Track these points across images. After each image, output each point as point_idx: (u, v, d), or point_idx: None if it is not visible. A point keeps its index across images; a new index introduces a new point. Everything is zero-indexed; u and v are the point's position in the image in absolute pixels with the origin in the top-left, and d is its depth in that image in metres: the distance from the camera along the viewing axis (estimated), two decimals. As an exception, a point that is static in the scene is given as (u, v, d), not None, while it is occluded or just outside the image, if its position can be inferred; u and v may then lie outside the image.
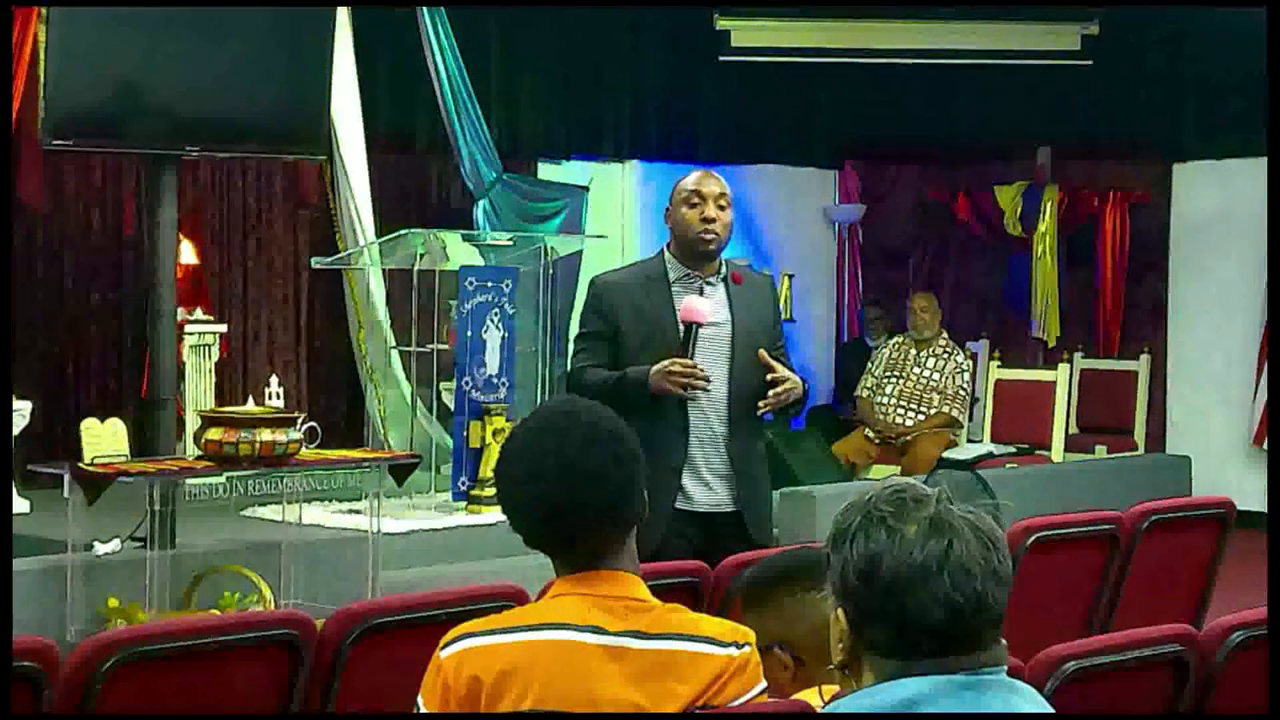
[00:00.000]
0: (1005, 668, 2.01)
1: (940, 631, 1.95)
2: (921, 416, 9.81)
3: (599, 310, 4.66)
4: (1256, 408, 10.46)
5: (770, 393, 4.53)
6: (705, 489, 4.58)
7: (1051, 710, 2.06)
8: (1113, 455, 10.46)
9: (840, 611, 2.03)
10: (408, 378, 8.63)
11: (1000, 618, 1.98)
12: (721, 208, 4.59)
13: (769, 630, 2.71)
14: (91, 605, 6.10)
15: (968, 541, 1.96)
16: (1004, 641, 2.01)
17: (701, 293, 4.59)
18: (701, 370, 4.48)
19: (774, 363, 4.57)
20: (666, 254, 4.68)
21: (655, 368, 4.47)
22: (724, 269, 4.67)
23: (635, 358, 4.56)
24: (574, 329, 9.54)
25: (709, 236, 4.57)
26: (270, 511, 7.42)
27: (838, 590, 2.02)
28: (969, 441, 9.99)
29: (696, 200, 4.58)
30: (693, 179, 4.65)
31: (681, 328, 4.50)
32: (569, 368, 4.73)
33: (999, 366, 10.56)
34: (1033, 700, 2.03)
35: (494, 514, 7.31)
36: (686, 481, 4.55)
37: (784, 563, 2.89)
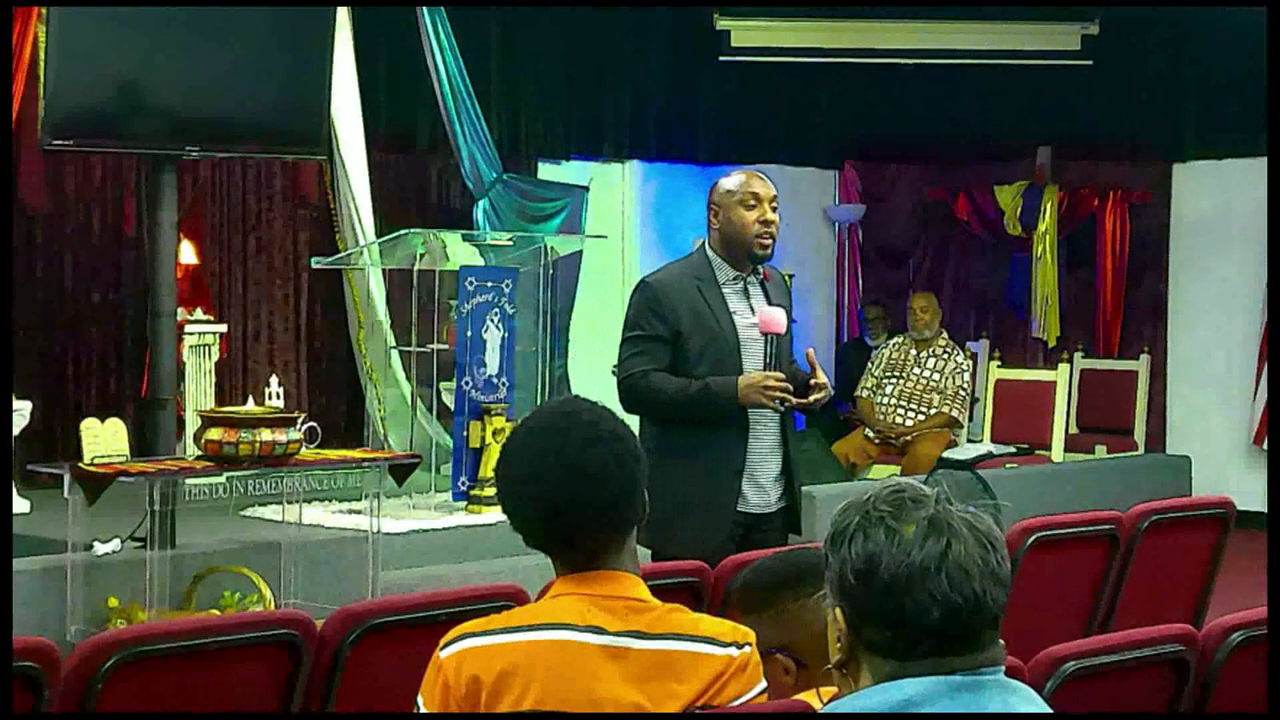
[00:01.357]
0: (1003, 668, 2.01)
1: (938, 632, 1.95)
2: (921, 416, 9.80)
3: (658, 313, 4.54)
4: (1256, 408, 10.47)
5: (812, 396, 4.48)
6: (758, 490, 4.58)
7: (1049, 710, 2.06)
8: (1113, 455, 10.46)
9: (838, 611, 2.03)
10: (408, 378, 8.62)
11: (998, 618, 1.98)
12: (774, 209, 4.57)
13: (771, 635, 2.69)
14: (91, 605, 6.10)
15: (966, 542, 1.96)
16: (1002, 642, 2.01)
17: (747, 294, 4.59)
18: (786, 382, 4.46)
19: (818, 366, 4.56)
20: (710, 254, 4.62)
21: (746, 381, 4.43)
22: (759, 268, 4.65)
23: (695, 362, 4.51)
24: (574, 329, 9.69)
25: (767, 240, 4.55)
26: (270, 511, 7.42)
27: (835, 590, 2.03)
28: (969, 441, 9.98)
29: (754, 202, 4.53)
30: (742, 180, 4.59)
31: (763, 340, 4.46)
32: (621, 371, 4.59)
33: (999, 366, 10.56)
34: (1030, 700, 2.03)
35: (494, 514, 7.31)
36: (744, 484, 4.54)
37: (784, 567, 2.86)
